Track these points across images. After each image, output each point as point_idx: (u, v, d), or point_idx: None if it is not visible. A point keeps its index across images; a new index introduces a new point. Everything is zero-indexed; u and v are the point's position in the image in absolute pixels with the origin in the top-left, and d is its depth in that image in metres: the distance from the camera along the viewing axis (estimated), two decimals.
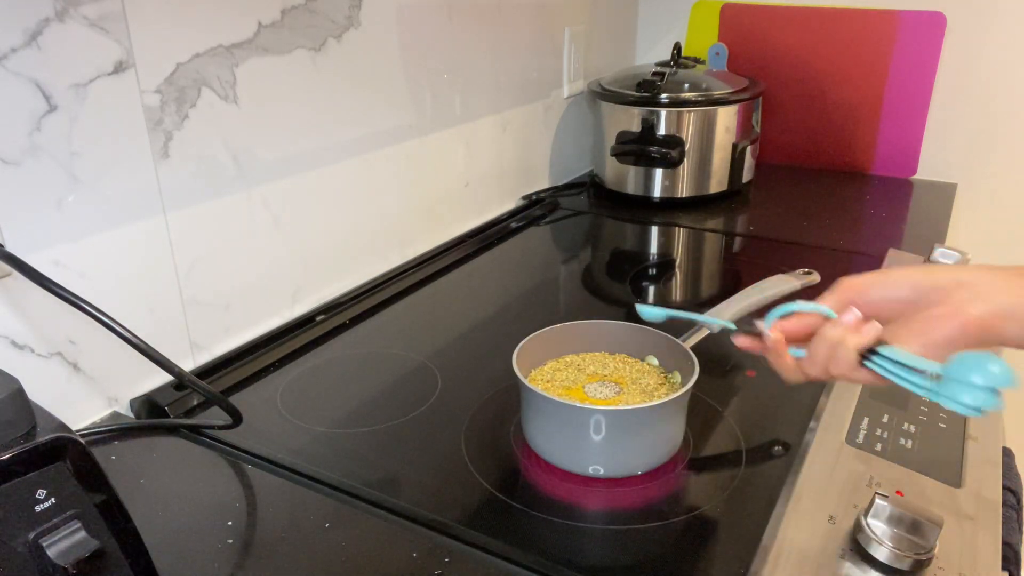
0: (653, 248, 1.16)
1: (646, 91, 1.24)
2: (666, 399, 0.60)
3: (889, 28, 1.36)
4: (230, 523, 0.57)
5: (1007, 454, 0.70)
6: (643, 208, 1.30)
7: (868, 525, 0.52)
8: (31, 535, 0.38)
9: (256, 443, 0.67)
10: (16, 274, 0.58)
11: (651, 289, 1.00)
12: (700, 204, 1.30)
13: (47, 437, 0.38)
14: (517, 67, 1.22)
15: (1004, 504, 0.60)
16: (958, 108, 1.37)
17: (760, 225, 1.21)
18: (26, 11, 0.58)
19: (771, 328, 0.52)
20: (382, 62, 0.94)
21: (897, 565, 0.51)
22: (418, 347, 0.84)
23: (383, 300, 0.95)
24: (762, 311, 0.56)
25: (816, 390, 0.73)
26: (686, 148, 1.25)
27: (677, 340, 0.67)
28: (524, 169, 1.30)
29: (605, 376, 0.68)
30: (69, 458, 0.39)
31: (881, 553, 0.51)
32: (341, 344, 0.86)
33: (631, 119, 1.27)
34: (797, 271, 0.77)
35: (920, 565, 0.51)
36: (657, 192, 1.29)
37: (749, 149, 1.30)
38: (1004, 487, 0.63)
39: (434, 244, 1.10)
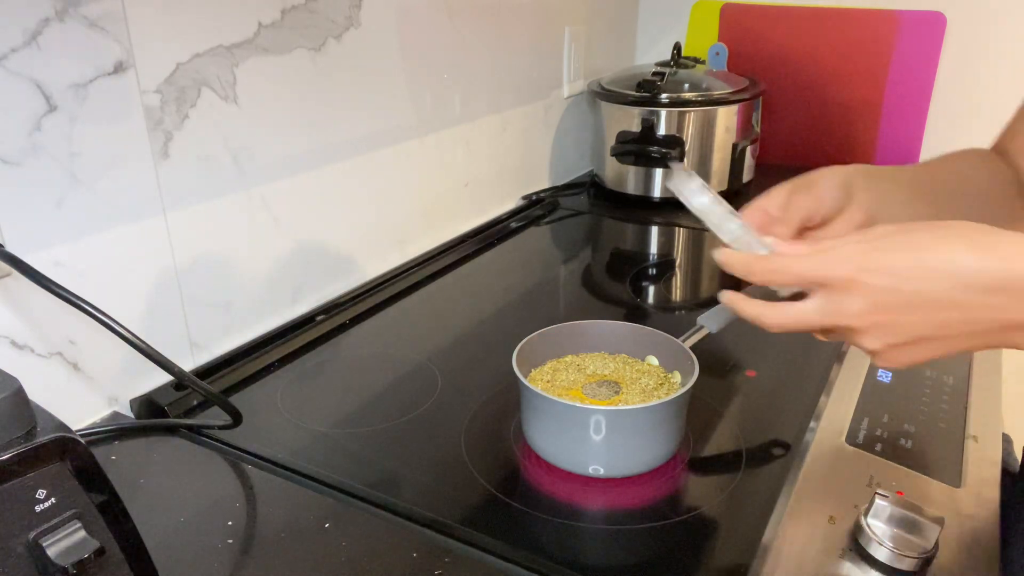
0: (653, 248, 1.16)
1: (646, 91, 1.24)
2: (666, 399, 0.60)
3: (889, 28, 1.36)
4: (230, 523, 0.57)
5: (1005, 440, 0.70)
6: (643, 208, 1.30)
7: (868, 525, 0.52)
8: (31, 535, 0.38)
9: (256, 443, 0.67)
10: (16, 274, 0.58)
11: (651, 289, 1.00)
12: None
13: (47, 437, 0.38)
14: (517, 67, 1.22)
15: (1002, 486, 0.61)
16: (958, 108, 1.37)
17: None
18: (26, 11, 0.58)
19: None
20: (382, 62, 0.94)
21: (897, 565, 0.51)
22: (418, 347, 0.84)
23: (383, 300, 0.95)
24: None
25: (816, 390, 0.73)
26: (686, 148, 1.25)
27: (677, 340, 0.67)
28: (524, 169, 1.30)
29: (605, 376, 0.68)
30: (69, 458, 0.39)
31: (881, 553, 0.51)
32: (341, 344, 0.86)
33: (631, 119, 1.27)
34: None
35: (920, 565, 0.51)
36: (657, 192, 1.29)
37: (749, 149, 1.30)
38: (1003, 470, 0.63)
39: (434, 244, 1.10)
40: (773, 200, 0.56)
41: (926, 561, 0.51)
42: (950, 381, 0.74)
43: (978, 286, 0.38)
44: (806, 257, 0.42)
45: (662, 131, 1.25)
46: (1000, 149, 0.66)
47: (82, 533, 0.39)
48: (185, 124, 0.72)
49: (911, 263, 0.39)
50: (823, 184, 0.56)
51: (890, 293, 0.40)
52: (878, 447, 0.64)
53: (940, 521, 0.51)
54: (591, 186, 1.39)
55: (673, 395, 0.60)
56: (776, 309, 0.45)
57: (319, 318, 0.89)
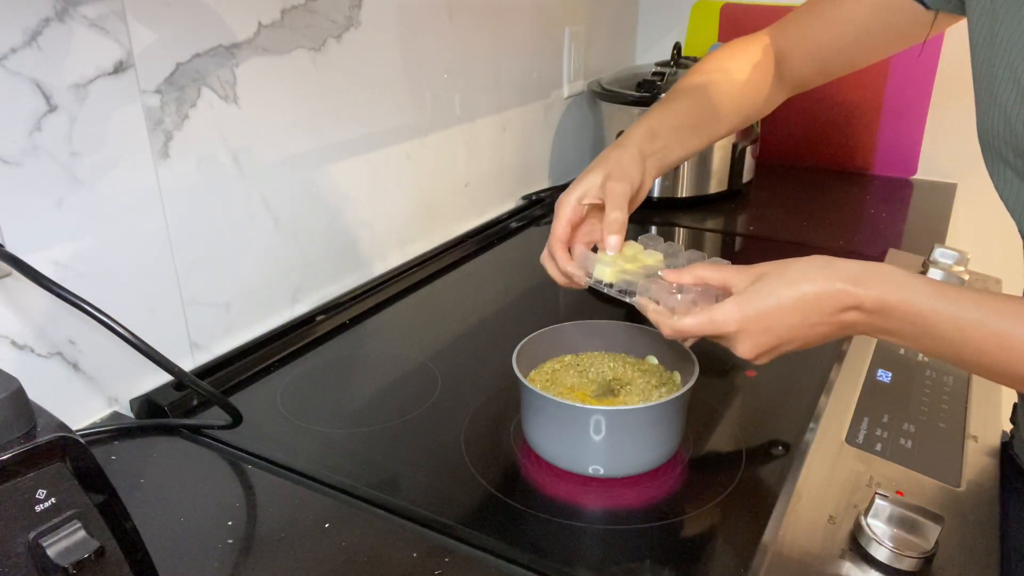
0: None
1: (646, 91, 1.24)
2: (666, 399, 0.60)
3: None
4: (230, 523, 0.57)
5: (1004, 437, 0.71)
6: (643, 208, 1.29)
7: (868, 525, 0.52)
8: (31, 535, 0.38)
9: (256, 443, 0.67)
10: (16, 274, 0.58)
11: None
12: (700, 204, 1.30)
13: (47, 437, 0.38)
14: (517, 67, 1.22)
15: (1002, 485, 0.61)
16: (958, 108, 1.37)
17: (760, 225, 1.21)
18: (26, 11, 0.58)
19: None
20: (382, 62, 0.94)
21: (897, 565, 0.51)
22: (418, 347, 0.84)
23: (383, 300, 0.95)
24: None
25: (816, 390, 0.73)
26: None
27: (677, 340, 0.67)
28: (524, 169, 1.30)
29: (605, 376, 0.68)
30: (69, 458, 0.39)
31: (881, 553, 0.51)
32: (341, 344, 0.86)
33: (631, 119, 1.27)
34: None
35: (920, 565, 0.51)
36: (657, 192, 1.29)
37: (749, 149, 1.30)
38: (1002, 470, 0.64)
39: (434, 244, 1.10)
40: (590, 189, 0.66)
41: (926, 561, 0.51)
42: (950, 381, 0.74)
43: (822, 310, 0.52)
44: (699, 324, 0.55)
45: None
46: (774, 34, 0.78)
47: (82, 533, 0.39)
48: (185, 124, 0.72)
49: (774, 307, 0.52)
50: (632, 169, 0.68)
51: (765, 333, 0.53)
52: (878, 447, 0.64)
53: (940, 521, 0.51)
54: None
55: (673, 395, 0.60)
56: (672, 321, 0.57)
57: (319, 318, 0.89)
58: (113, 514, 0.41)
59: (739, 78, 0.76)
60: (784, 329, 0.53)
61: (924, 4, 0.66)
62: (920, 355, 0.78)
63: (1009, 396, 0.72)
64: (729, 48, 0.78)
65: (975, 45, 0.58)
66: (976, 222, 1.41)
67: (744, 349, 0.55)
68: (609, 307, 0.95)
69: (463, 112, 1.11)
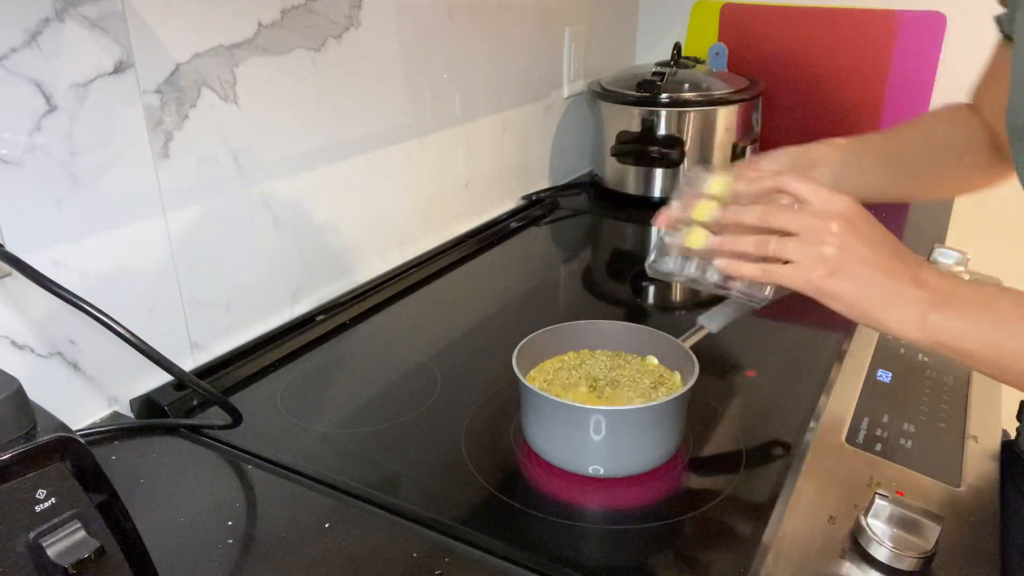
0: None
1: (646, 91, 1.24)
2: (666, 399, 0.60)
3: (889, 28, 1.36)
4: (230, 523, 0.57)
5: (1005, 436, 0.71)
6: (643, 208, 1.29)
7: (868, 525, 0.52)
8: (31, 535, 0.38)
9: (256, 443, 0.67)
10: (16, 274, 0.58)
11: (651, 289, 1.00)
12: None
13: (47, 437, 0.38)
14: (517, 67, 1.22)
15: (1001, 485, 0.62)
16: None
17: None
18: (26, 11, 0.58)
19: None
20: (382, 62, 0.94)
21: (897, 565, 0.51)
22: (418, 347, 0.84)
23: (383, 300, 0.95)
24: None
25: (816, 390, 0.73)
26: (686, 148, 1.25)
27: (677, 340, 0.67)
28: (524, 169, 1.30)
29: (605, 376, 0.68)
30: (69, 458, 0.39)
31: (881, 553, 0.51)
32: (341, 344, 0.86)
33: (631, 119, 1.27)
34: None
35: (920, 565, 0.51)
36: (657, 192, 1.29)
37: (749, 149, 1.30)
38: (1002, 469, 0.64)
39: (434, 244, 1.10)
40: (771, 166, 0.66)
41: (926, 561, 0.51)
42: (950, 381, 0.74)
43: (909, 257, 0.53)
44: (810, 188, 0.53)
45: (662, 131, 1.25)
46: (974, 103, 0.75)
47: (82, 533, 0.39)
48: (185, 124, 0.72)
49: (878, 222, 0.53)
50: (818, 171, 0.68)
51: (860, 238, 0.52)
52: (878, 447, 0.64)
53: (940, 521, 0.51)
54: (591, 186, 1.39)
55: (673, 395, 0.60)
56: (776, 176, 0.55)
57: (319, 318, 0.89)
58: (113, 514, 0.41)
59: (948, 136, 0.74)
60: (879, 242, 0.53)
61: (1007, 37, 0.66)
62: (920, 355, 0.78)
63: (1009, 396, 0.72)
64: (936, 113, 0.76)
65: (1020, 38, 0.58)
66: (976, 222, 1.41)
67: (829, 244, 0.51)
68: (609, 307, 0.95)
69: (463, 112, 1.11)
